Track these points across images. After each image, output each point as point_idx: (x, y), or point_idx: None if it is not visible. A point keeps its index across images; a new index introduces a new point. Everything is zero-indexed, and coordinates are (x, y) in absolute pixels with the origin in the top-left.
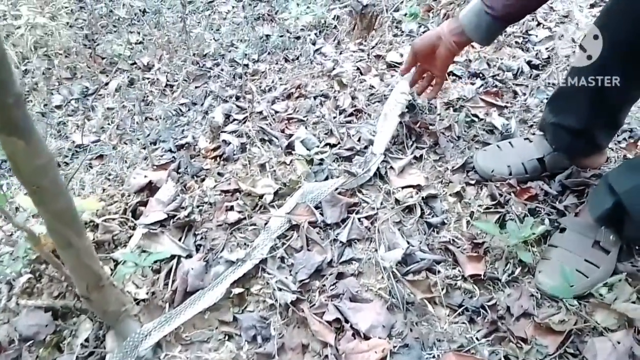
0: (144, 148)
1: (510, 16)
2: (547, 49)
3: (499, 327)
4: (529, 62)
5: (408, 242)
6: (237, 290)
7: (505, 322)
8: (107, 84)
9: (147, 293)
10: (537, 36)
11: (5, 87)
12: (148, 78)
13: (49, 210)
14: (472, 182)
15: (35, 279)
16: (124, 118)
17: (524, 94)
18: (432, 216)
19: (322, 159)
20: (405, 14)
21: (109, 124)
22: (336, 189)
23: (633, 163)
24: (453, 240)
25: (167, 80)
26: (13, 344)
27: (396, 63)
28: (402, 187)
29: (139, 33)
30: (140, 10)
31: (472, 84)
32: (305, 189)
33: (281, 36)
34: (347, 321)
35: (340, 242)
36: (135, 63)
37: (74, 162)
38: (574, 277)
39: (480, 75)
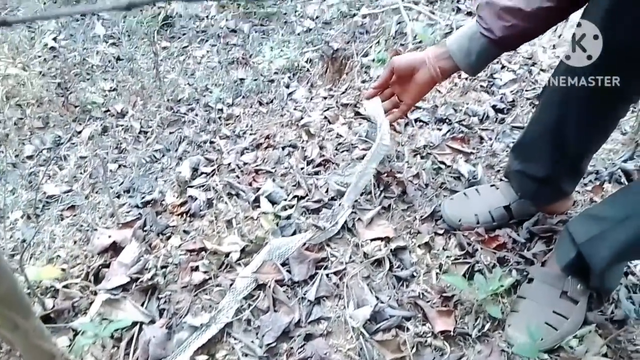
0: (119, 196)
1: (508, 40)
2: (512, 92)
3: None
4: (494, 107)
5: (377, 298)
6: (201, 358)
7: None
8: (80, 132)
9: None
10: (501, 79)
11: None
12: (122, 125)
13: None
14: (441, 231)
15: None
16: (97, 167)
17: (490, 139)
18: (401, 269)
19: (289, 214)
20: (374, 60)
21: (81, 173)
22: (304, 244)
23: (591, 213)
24: (422, 294)
25: (141, 127)
26: None
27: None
28: (371, 240)
29: (112, 80)
30: (114, 57)
31: (439, 129)
32: (272, 245)
33: (255, 80)
34: None
35: (309, 300)
36: (108, 110)
37: (45, 214)
38: (543, 331)
39: (447, 120)
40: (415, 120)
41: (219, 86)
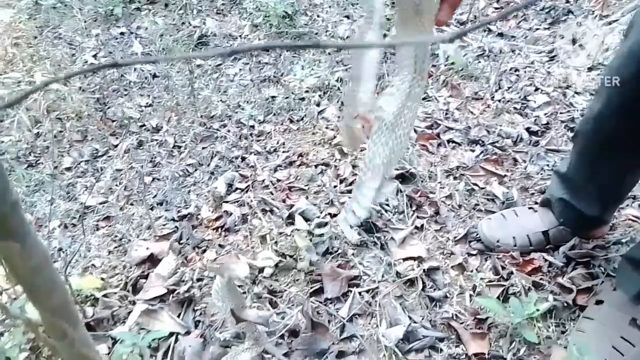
0: (152, 209)
1: None
2: (546, 114)
3: None
4: (527, 129)
5: (410, 318)
6: None
7: None
8: (116, 145)
9: None
10: (535, 102)
11: (2, 197)
12: (156, 140)
13: (44, 307)
14: (474, 252)
15: (35, 356)
16: (132, 179)
17: (524, 161)
18: (434, 290)
19: (323, 232)
20: None
21: (117, 185)
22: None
23: None
24: (456, 315)
25: (175, 142)
26: None
27: None
28: (404, 259)
29: (148, 96)
30: (150, 74)
31: (472, 151)
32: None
33: (286, 98)
34: None
35: (341, 317)
36: (144, 125)
37: (81, 224)
38: (608, 354)
39: (480, 142)
40: (448, 141)
41: (250, 103)
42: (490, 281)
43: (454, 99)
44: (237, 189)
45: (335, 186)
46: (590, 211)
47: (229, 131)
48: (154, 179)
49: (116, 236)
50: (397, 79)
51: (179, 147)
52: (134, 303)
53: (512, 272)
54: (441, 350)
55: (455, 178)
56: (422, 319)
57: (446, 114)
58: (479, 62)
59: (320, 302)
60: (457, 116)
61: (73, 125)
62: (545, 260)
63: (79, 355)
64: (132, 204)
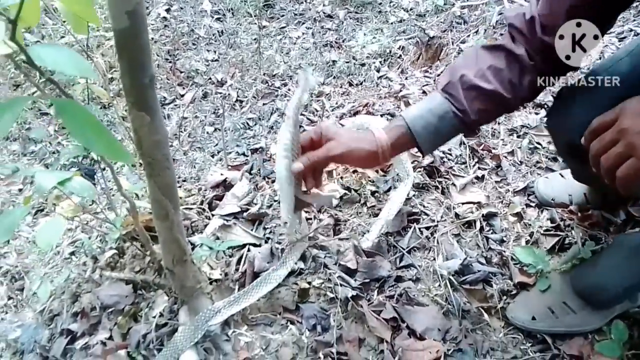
0: (213, 156)
1: (478, 124)
2: None
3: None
4: None
5: (466, 253)
6: (302, 285)
7: (559, 340)
8: (183, 95)
9: (220, 274)
10: None
11: (143, 68)
12: (220, 93)
13: (157, 182)
14: (533, 204)
15: (118, 255)
16: (196, 127)
17: None
18: (492, 233)
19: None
20: (472, 46)
21: (181, 131)
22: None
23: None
24: (512, 257)
25: (238, 96)
26: (94, 311)
27: None
28: (463, 203)
29: (215, 51)
30: (218, 31)
31: (537, 113)
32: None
33: (347, 62)
34: (403, 321)
35: (401, 248)
36: (210, 78)
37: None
38: (541, 314)
39: (545, 106)
40: None
41: (311, 66)
42: (547, 230)
43: None
44: (304, 130)
45: None
46: None
47: (289, 90)
48: (215, 129)
49: (180, 177)
50: None
51: (241, 101)
52: (210, 218)
53: (569, 224)
54: (494, 284)
55: (518, 136)
56: (478, 255)
57: None
58: None
59: (382, 234)
60: None
61: None
62: (604, 217)
63: (174, 240)
64: (195, 150)
